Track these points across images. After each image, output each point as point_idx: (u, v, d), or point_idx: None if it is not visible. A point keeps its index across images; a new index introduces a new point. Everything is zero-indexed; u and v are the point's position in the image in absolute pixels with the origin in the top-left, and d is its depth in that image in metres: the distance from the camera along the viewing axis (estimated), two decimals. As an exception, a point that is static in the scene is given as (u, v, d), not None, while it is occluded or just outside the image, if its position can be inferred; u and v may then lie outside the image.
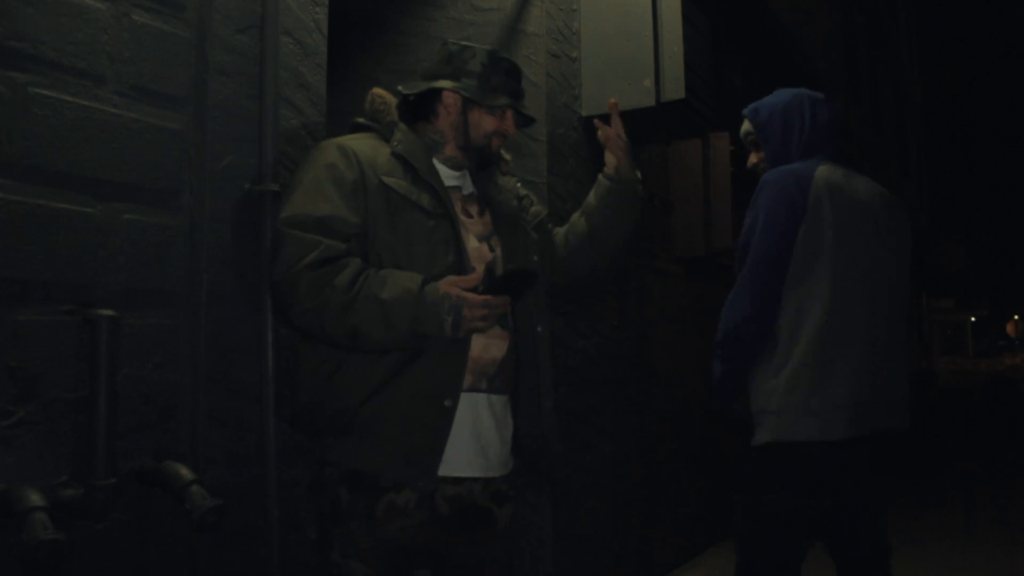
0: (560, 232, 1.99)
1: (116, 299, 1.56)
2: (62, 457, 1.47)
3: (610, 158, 1.95)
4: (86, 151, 1.53)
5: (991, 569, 4.11)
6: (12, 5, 1.43)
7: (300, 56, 2.02)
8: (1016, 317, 40.35)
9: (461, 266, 1.65)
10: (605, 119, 1.98)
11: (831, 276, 1.90)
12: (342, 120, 1.88)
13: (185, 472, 1.54)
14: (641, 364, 3.92)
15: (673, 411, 4.25)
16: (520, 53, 3.16)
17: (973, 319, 41.76)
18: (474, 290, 1.54)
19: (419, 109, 1.81)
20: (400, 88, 1.81)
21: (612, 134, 1.94)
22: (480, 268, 1.62)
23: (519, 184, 2.00)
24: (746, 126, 2.18)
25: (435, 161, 1.77)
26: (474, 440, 1.66)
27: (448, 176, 1.79)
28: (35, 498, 1.33)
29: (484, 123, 1.77)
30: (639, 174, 1.98)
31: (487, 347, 1.68)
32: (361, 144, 1.70)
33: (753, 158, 2.19)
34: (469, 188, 1.84)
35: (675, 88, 3.28)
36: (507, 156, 1.94)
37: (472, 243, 1.73)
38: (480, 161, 1.81)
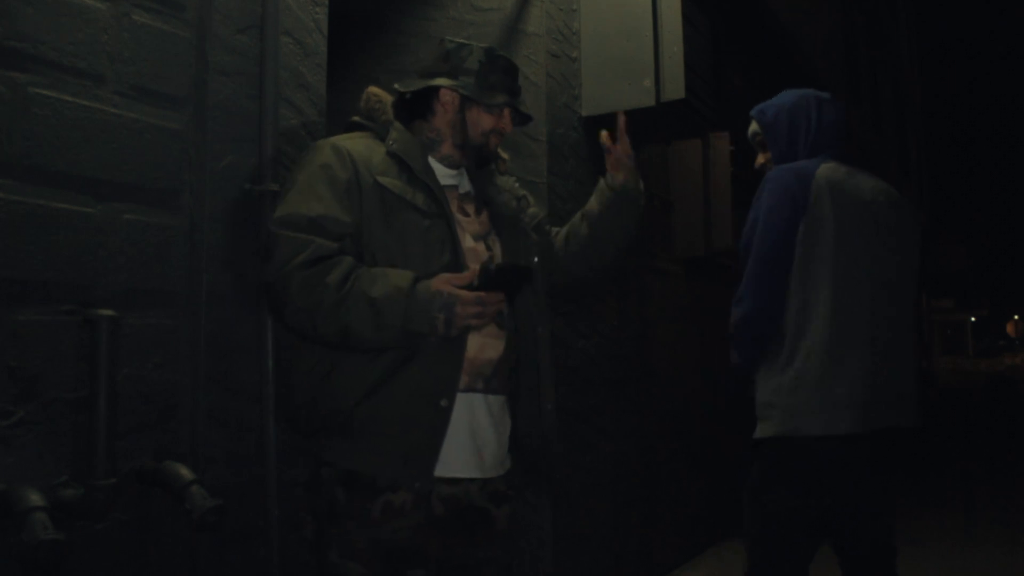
0: (560, 234, 1.98)
1: (116, 299, 1.56)
2: (62, 457, 1.47)
3: (617, 174, 1.88)
4: (86, 151, 1.53)
5: (991, 569, 4.11)
6: (12, 5, 1.43)
7: (300, 56, 2.02)
8: (1016, 317, 40.34)
9: (457, 265, 1.63)
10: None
11: (833, 274, 1.91)
12: (342, 120, 1.88)
13: (185, 472, 1.54)
14: (641, 364, 3.92)
15: (673, 411, 4.25)
16: (520, 53, 3.16)
17: (973, 319, 41.78)
18: (468, 288, 1.53)
19: (415, 107, 1.79)
20: (396, 86, 1.80)
21: (620, 154, 1.87)
22: (476, 267, 1.59)
23: (517, 183, 1.99)
24: (753, 127, 2.19)
25: (431, 160, 1.76)
26: (470, 441, 1.65)
27: (444, 175, 1.77)
28: (35, 498, 1.33)
29: (482, 121, 1.76)
30: (642, 184, 1.94)
31: (483, 347, 1.67)
32: (356, 143, 1.69)
33: (760, 158, 2.20)
34: (466, 187, 1.83)
35: (675, 88, 3.28)
36: (505, 155, 1.93)
37: (468, 242, 1.72)
38: (478, 159, 1.80)
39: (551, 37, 3.27)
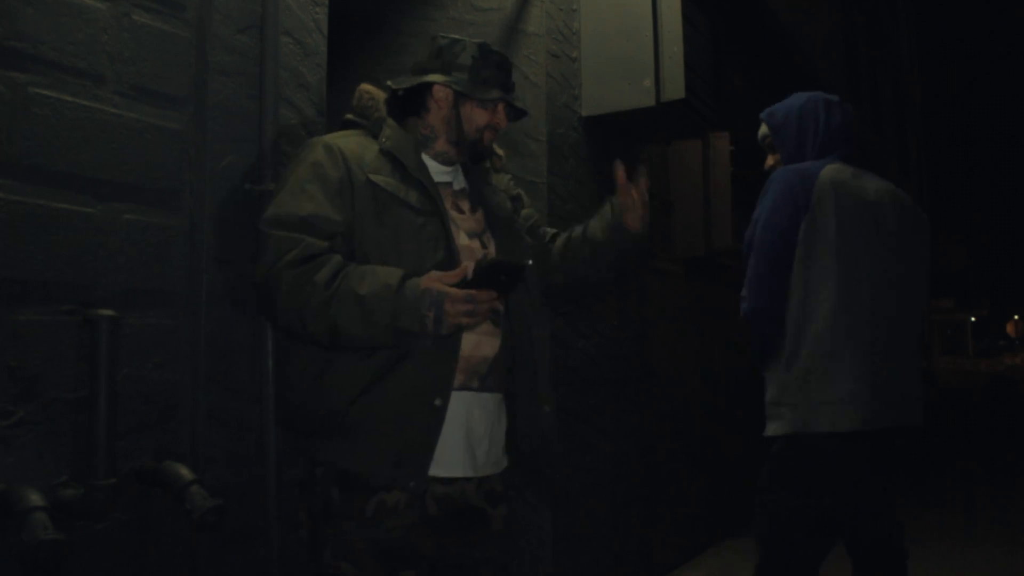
0: (558, 241, 1.94)
1: (116, 299, 1.56)
2: (62, 457, 1.47)
3: (628, 221, 1.79)
4: (86, 151, 1.53)
5: (991, 569, 4.10)
6: (12, 5, 1.43)
7: (300, 56, 2.02)
8: (1016, 317, 40.35)
9: (451, 263, 1.62)
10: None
11: (834, 274, 1.92)
12: (342, 120, 1.88)
13: (185, 472, 1.54)
14: (641, 364, 3.92)
15: (673, 411, 4.25)
16: (520, 53, 3.17)
17: (973, 319, 41.75)
18: (460, 285, 1.50)
19: (409, 104, 1.78)
20: (389, 83, 1.78)
21: (636, 197, 1.77)
22: (471, 265, 1.56)
23: (512, 182, 1.97)
24: (763, 129, 2.22)
25: (425, 157, 1.75)
26: (465, 440, 1.64)
27: (439, 172, 1.76)
28: (35, 498, 1.33)
29: (476, 117, 1.74)
30: (648, 229, 1.85)
31: (478, 345, 1.66)
32: (348, 141, 1.68)
33: (770, 160, 2.22)
34: (461, 183, 1.81)
35: (675, 88, 3.28)
36: (500, 151, 1.92)
37: (463, 240, 1.70)
38: (472, 156, 1.79)
39: (551, 37, 3.27)
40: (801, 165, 2.02)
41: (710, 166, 4.55)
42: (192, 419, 1.71)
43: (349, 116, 1.80)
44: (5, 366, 1.39)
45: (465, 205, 1.78)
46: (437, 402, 1.58)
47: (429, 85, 1.74)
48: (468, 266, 1.54)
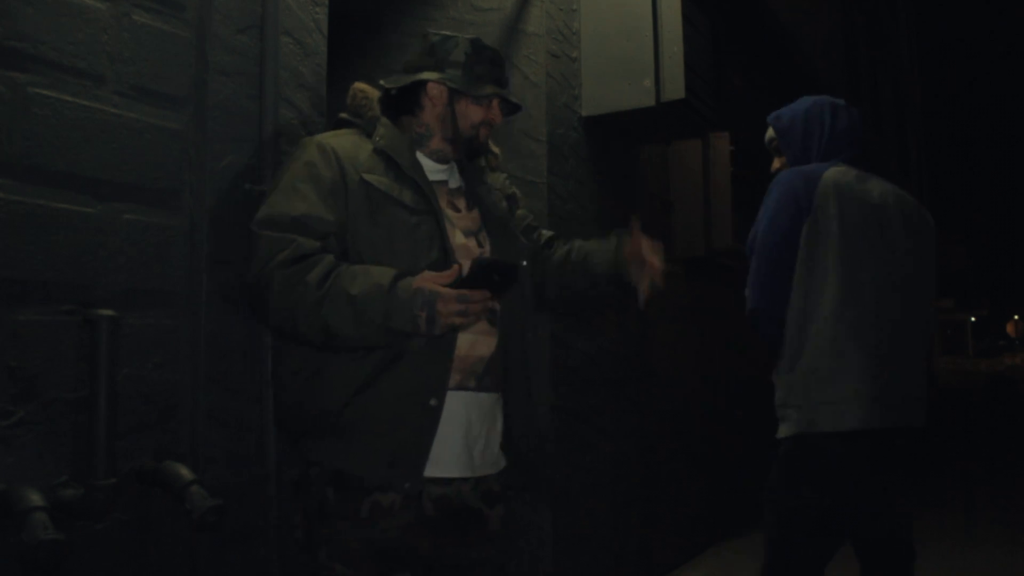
0: (558, 251, 1.91)
1: (116, 299, 1.56)
2: (62, 457, 1.47)
3: (639, 284, 1.75)
4: (86, 151, 1.53)
5: (991, 569, 4.10)
6: (12, 5, 1.43)
7: (300, 56, 2.02)
8: (1016, 317, 40.35)
9: (446, 262, 1.60)
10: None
11: (836, 275, 1.92)
12: (342, 120, 1.88)
13: (185, 472, 1.54)
14: (641, 364, 3.92)
15: (673, 411, 4.25)
16: (520, 53, 3.17)
17: (973, 319, 41.79)
18: (453, 284, 1.47)
19: (402, 103, 1.76)
20: (382, 82, 1.77)
21: (655, 266, 1.73)
22: (467, 264, 1.55)
23: (507, 180, 1.96)
24: (769, 133, 2.24)
25: (420, 155, 1.74)
26: (462, 439, 1.63)
27: (434, 170, 1.75)
28: (35, 498, 1.33)
29: (471, 113, 1.73)
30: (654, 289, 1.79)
31: (474, 344, 1.65)
32: (342, 141, 1.67)
33: (776, 163, 2.23)
34: (456, 182, 1.80)
35: (675, 88, 3.28)
36: (496, 149, 1.91)
37: (458, 239, 1.69)
38: (468, 153, 1.78)
39: (551, 37, 3.27)
40: (805, 167, 2.03)
41: (710, 166, 4.55)
42: (192, 419, 1.71)
43: (343, 115, 1.79)
44: (5, 366, 1.39)
45: (461, 203, 1.77)
46: (432, 402, 1.57)
47: (423, 83, 1.73)
48: (462, 265, 1.53)
